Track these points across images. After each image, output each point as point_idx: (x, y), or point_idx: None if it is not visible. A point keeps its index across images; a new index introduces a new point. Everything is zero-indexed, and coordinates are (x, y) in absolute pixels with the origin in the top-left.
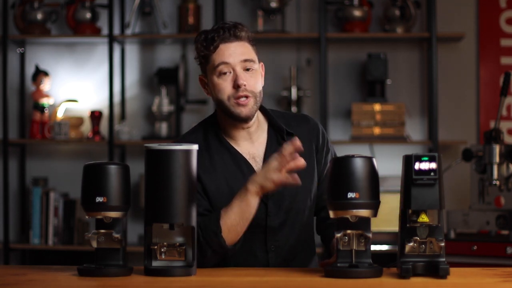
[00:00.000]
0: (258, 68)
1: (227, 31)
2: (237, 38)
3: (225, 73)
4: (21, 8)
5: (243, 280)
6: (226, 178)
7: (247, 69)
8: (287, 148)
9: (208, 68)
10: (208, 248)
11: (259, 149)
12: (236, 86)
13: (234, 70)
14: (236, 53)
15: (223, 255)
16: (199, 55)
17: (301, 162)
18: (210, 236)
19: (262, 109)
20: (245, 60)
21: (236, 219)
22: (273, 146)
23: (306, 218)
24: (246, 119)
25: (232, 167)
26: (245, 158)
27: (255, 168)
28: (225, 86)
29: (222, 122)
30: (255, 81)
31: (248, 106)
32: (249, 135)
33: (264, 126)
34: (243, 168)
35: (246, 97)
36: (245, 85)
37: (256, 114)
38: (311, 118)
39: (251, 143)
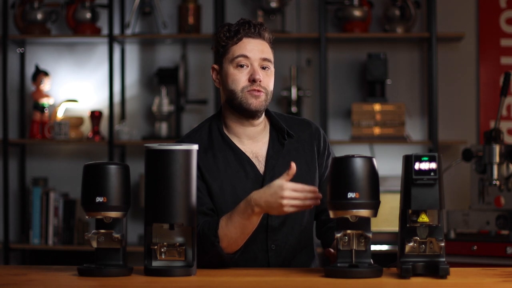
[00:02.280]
0: (273, 70)
1: (252, 27)
2: (261, 36)
3: (242, 66)
4: (21, 8)
5: (243, 280)
6: (229, 177)
7: (263, 68)
8: (305, 188)
9: (226, 58)
10: (205, 255)
11: (262, 149)
12: (252, 80)
13: (252, 65)
14: (257, 49)
15: (221, 262)
16: (219, 44)
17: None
18: (207, 245)
19: (265, 110)
20: (264, 59)
21: (237, 233)
22: (275, 146)
23: (306, 219)
24: (254, 112)
25: (235, 166)
26: (249, 157)
27: (258, 167)
28: (240, 77)
29: (227, 119)
30: (269, 80)
31: (259, 99)
32: (253, 134)
33: (267, 127)
34: (246, 167)
35: (259, 91)
36: (260, 81)
37: (263, 116)
38: (313, 123)
39: (255, 142)
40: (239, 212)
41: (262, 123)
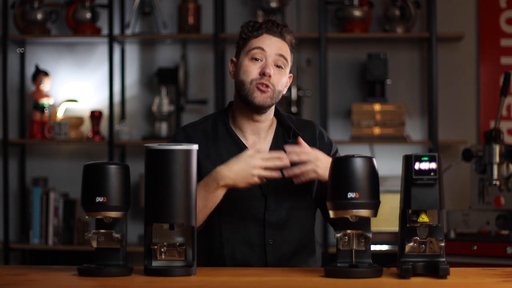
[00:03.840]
0: (287, 72)
1: (275, 26)
2: (281, 36)
3: (257, 59)
4: (21, 8)
5: (243, 280)
6: None
7: (278, 66)
8: (276, 154)
9: (244, 50)
10: None
11: (266, 146)
12: (262, 73)
13: (266, 59)
14: (274, 46)
15: None
16: (240, 37)
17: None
18: None
19: (274, 108)
20: (280, 55)
21: (199, 206)
22: (279, 143)
23: (305, 217)
24: (258, 107)
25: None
26: None
27: None
28: (253, 69)
29: (235, 112)
30: (280, 78)
31: (265, 94)
32: (258, 130)
33: (274, 124)
34: None
35: (267, 86)
36: (270, 76)
37: (270, 114)
38: (316, 124)
39: (259, 138)
40: (204, 185)
41: (268, 120)
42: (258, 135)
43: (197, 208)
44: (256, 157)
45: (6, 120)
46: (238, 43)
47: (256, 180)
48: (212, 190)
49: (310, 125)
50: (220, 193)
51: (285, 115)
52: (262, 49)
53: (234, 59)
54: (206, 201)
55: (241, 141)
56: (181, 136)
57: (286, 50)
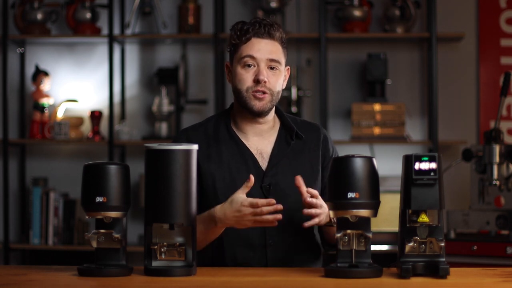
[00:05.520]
0: (283, 70)
1: (262, 27)
2: (270, 36)
3: (249, 66)
4: (21, 8)
5: (243, 280)
6: (230, 169)
7: (271, 68)
8: (262, 202)
9: (235, 57)
10: None
11: (268, 147)
12: (257, 80)
13: (258, 65)
14: (264, 50)
15: None
16: (230, 42)
17: (278, 216)
18: None
19: (276, 109)
20: (271, 60)
21: (199, 238)
22: (282, 145)
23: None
24: (259, 113)
25: (238, 160)
26: (252, 153)
27: (261, 163)
28: (247, 77)
29: (236, 115)
30: (276, 80)
31: (263, 101)
32: (260, 131)
33: (277, 126)
34: (249, 162)
35: (264, 92)
36: (265, 82)
37: (271, 114)
38: (322, 128)
39: (261, 139)
40: (203, 221)
41: (270, 121)
42: (260, 136)
43: (197, 239)
44: (246, 206)
45: (6, 120)
46: (230, 48)
47: (251, 225)
48: (210, 228)
49: (315, 128)
50: (219, 231)
51: (289, 116)
52: (252, 56)
53: (228, 64)
54: (206, 235)
55: (242, 142)
56: (182, 138)
57: (277, 51)
